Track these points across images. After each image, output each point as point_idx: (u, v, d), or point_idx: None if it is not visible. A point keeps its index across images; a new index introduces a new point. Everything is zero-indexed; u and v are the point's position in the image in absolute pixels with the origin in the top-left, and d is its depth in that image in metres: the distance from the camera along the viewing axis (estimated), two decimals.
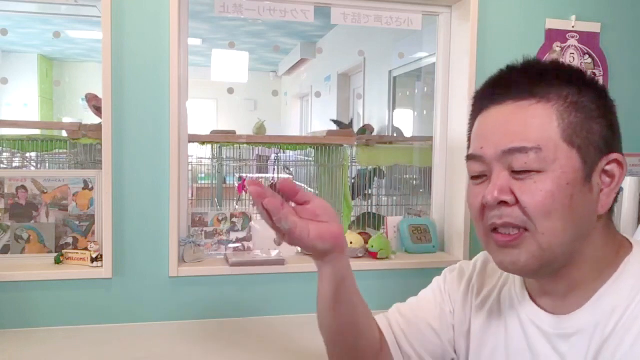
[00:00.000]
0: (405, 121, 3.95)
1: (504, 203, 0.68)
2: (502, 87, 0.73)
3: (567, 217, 0.67)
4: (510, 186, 0.68)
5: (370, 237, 1.90)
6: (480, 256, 0.93)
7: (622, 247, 0.73)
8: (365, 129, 2.92)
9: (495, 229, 0.70)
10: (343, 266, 0.79)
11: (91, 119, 1.87)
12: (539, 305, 0.76)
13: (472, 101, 0.79)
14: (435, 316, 0.91)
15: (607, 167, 0.71)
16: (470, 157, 0.74)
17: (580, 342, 0.70)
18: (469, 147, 0.78)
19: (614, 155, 0.71)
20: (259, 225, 1.89)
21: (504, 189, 0.68)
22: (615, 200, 0.73)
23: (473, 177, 0.74)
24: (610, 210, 0.73)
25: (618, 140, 0.74)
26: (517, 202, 0.68)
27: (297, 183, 2.51)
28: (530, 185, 0.67)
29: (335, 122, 4.06)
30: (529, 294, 0.78)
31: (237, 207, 2.36)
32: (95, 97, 1.86)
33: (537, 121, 0.68)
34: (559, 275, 0.72)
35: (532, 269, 0.70)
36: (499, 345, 0.80)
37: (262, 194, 0.67)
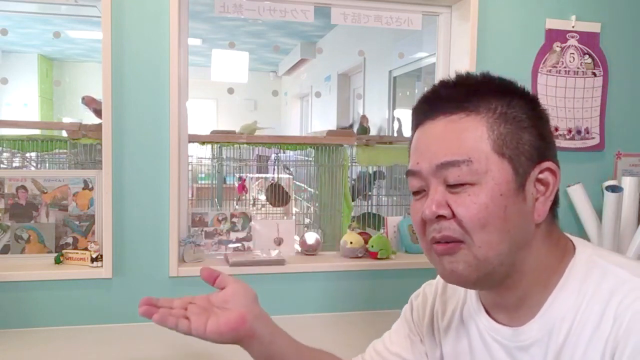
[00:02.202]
0: (406, 121, 3.95)
1: (441, 217, 0.69)
2: (433, 103, 0.74)
3: (502, 229, 0.68)
4: (447, 200, 0.69)
5: (370, 237, 1.90)
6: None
7: (566, 252, 0.73)
8: (362, 123, 2.93)
9: (436, 242, 0.71)
10: (260, 349, 0.80)
11: (91, 119, 1.87)
12: (495, 319, 0.77)
13: (411, 116, 0.79)
14: (407, 348, 0.92)
15: (541, 176, 0.71)
16: (408, 173, 0.75)
17: (538, 353, 0.70)
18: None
19: (547, 164, 0.71)
20: (259, 225, 1.90)
21: (441, 203, 0.69)
22: (556, 206, 0.74)
23: (413, 193, 0.75)
24: (554, 217, 0.74)
25: (551, 148, 0.73)
26: (454, 215, 0.68)
27: (299, 183, 2.50)
28: (465, 199, 0.68)
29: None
30: (485, 309, 0.79)
31: (237, 207, 2.36)
32: (93, 99, 1.85)
33: (468, 134, 0.69)
34: (506, 287, 0.72)
35: (471, 279, 0.70)
36: None
37: (149, 312, 0.73)
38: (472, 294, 0.82)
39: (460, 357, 0.82)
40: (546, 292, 0.71)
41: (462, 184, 0.68)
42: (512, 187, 0.68)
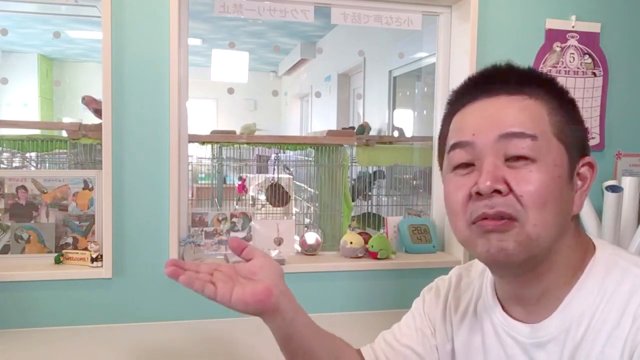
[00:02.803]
0: (405, 121, 3.95)
1: (496, 192, 0.67)
2: (491, 82, 0.74)
3: (557, 210, 0.68)
4: (503, 175, 0.67)
5: (370, 237, 1.90)
6: (454, 272, 0.93)
7: (588, 249, 0.74)
8: (363, 128, 2.93)
9: (483, 219, 0.69)
10: (282, 326, 0.78)
11: (91, 119, 1.87)
12: (511, 316, 0.76)
13: (453, 96, 0.78)
14: (417, 341, 0.91)
15: (581, 170, 0.72)
16: (457, 145, 0.72)
17: (554, 349, 0.70)
18: (442, 144, 0.78)
19: (588, 158, 0.73)
20: (259, 225, 1.90)
21: (498, 178, 0.67)
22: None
23: (457, 167, 0.72)
24: (578, 214, 0.75)
25: (589, 146, 0.76)
26: (511, 191, 0.67)
27: (299, 183, 2.50)
28: (526, 174, 0.67)
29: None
30: (502, 305, 0.79)
31: (237, 207, 2.36)
32: (93, 99, 1.85)
33: (531, 113, 0.70)
34: (535, 274, 0.71)
35: (518, 259, 0.68)
36: None
37: (175, 273, 0.72)
38: (488, 288, 0.82)
39: (472, 352, 0.82)
40: (567, 287, 0.71)
41: (522, 159, 0.67)
42: (566, 173, 0.69)
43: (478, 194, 0.68)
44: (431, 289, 0.95)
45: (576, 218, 0.74)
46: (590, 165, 0.73)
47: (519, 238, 0.67)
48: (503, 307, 0.78)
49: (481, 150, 0.69)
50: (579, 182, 0.72)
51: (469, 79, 0.77)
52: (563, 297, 0.71)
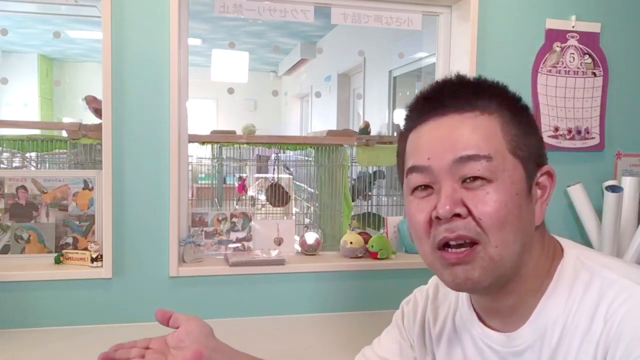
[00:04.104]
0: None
1: (456, 216, 0.67)
2: (440, 99, 0.72)
3: (518, 228, 0.67)
4: (462, 198, 0.67)
5: (370, 237, 1.90)
6: (431, 282, 0.92)
7: (555, 254, 0.73)
8: (365, 127, 2.93)
9: (443, 247, 0.69)
10: None
11: (91, 118, 1.87)
12: (488, 326, 0.76)
13: (407, 112, 0.77)
14: (396, 353, 0.91)
15: (540, 180, 0.72)
16: (414, 169, 0.71)
17: (531, 357, 0.70)
18: (401, 164, 0.76)
19: (546, 167, 0.72)
20: (259, 225, 1.90)
21: (457, 201, 0.67)
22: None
23: (416, 190, 0.72)
24: (543, 220, 0.74)
25: (546, 154, 0.75)
26: (470, 213, 0.67)
27: (299, 183, 2.49)
28: (483, 196, 0.66)
29: None
30: (478, 315, 0.78)
31: (237, 207, 2.36)
32: (95, 99, 1.86)
33: (484, 132, 0.68)
34: (506, 290, 0.71)
35: (485, 284, 0.68)
36: None
37: None
38: (464, 300, 0.81)
39: None
40: (538, 295, 0.71)
41: (478, 179, 0.67)
42: (524, 188, 0.69)
43: (438, 218, 0.68)
44: (409, 302, 0.94)
45: (541, 226, 0.73)
46: (549, 174, 0.72)
47: (483, 263, 0.67)
48: (480, 318, 0.78)
49: (438, 174, 0.69)
50: (539, 192, 0.72)
51: (421, 94, 0.76)
52: (535, 305, 0.70)
